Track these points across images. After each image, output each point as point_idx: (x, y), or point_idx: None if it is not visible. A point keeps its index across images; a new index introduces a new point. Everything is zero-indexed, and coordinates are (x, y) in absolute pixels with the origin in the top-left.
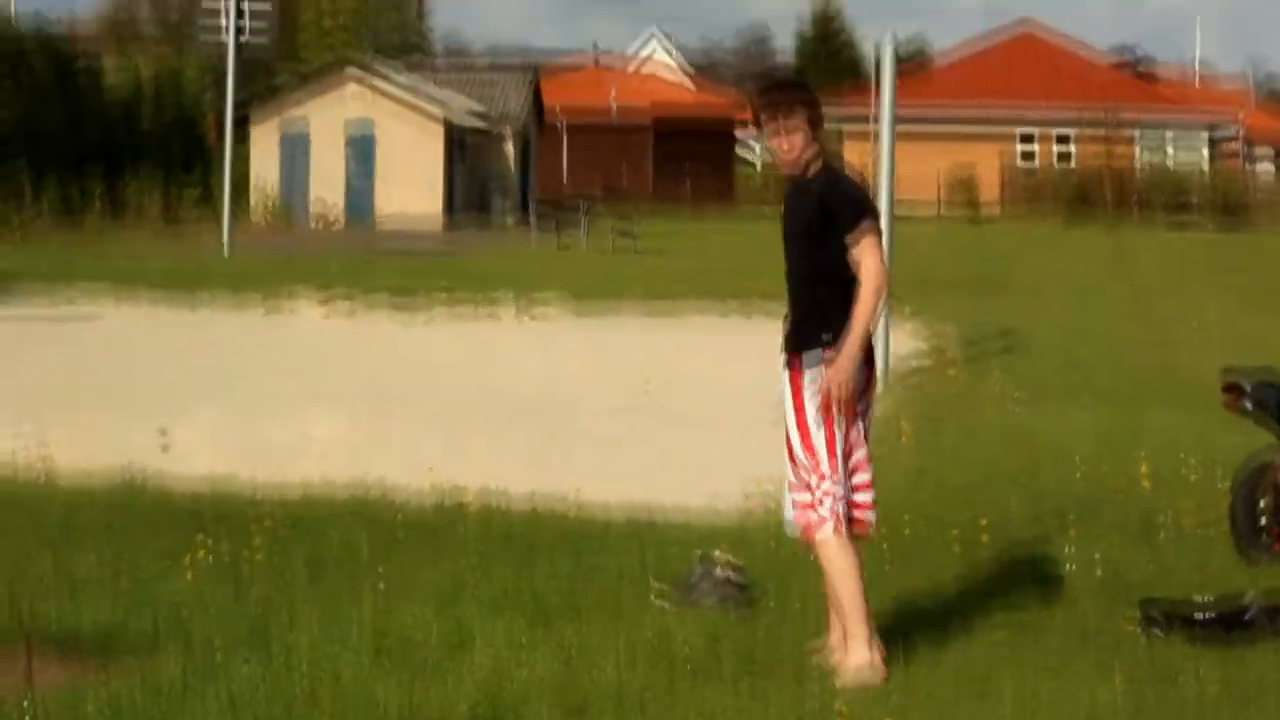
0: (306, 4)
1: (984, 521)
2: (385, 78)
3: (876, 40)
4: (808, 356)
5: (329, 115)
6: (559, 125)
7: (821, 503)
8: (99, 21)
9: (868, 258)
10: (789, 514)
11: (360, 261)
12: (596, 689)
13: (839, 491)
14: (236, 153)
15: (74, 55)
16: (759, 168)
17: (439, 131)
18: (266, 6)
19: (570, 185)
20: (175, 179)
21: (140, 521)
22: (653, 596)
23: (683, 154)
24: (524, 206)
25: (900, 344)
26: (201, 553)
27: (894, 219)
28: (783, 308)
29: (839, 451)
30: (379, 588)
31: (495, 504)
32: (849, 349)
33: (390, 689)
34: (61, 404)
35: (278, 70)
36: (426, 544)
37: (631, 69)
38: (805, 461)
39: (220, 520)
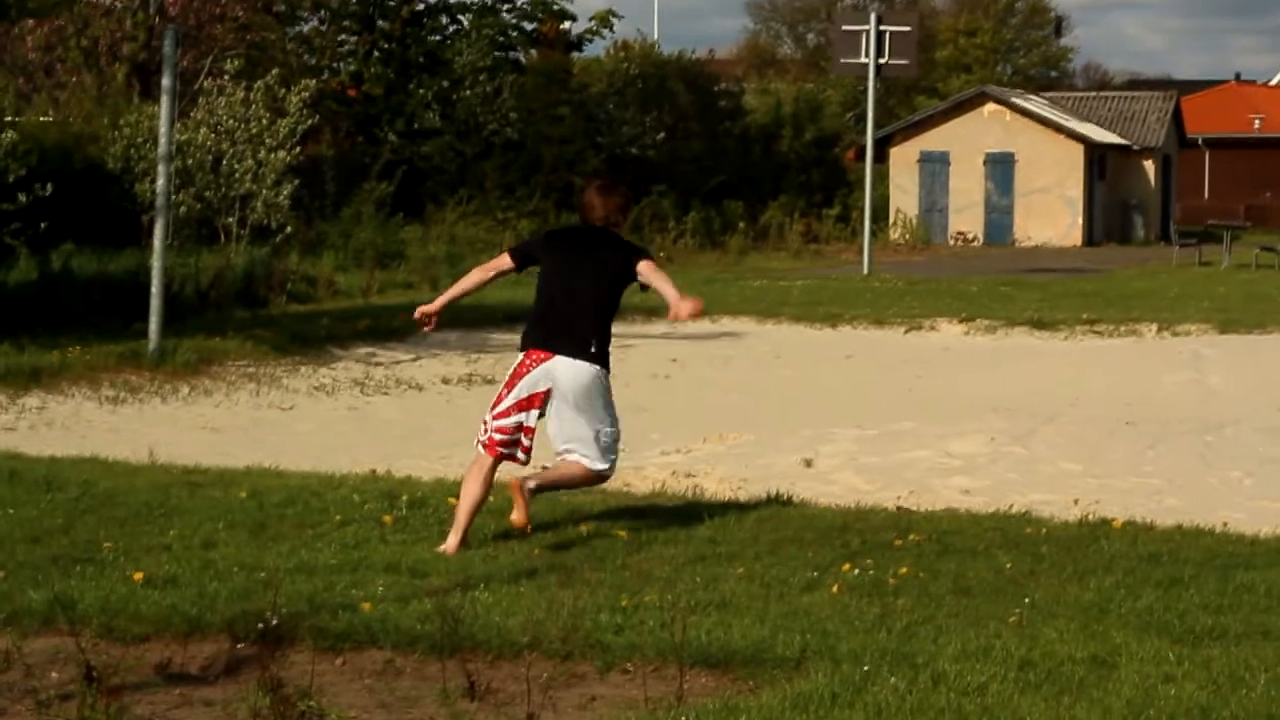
0: (945, 30)
1: None
2: (1024, 101)
3: None
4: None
5: (967, 139)
6: (1199, 144)
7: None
8: (739, 49)
9: None
10: None
11: (1000, 281)
12: (1246, 711)
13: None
14: (876, 175)
15: (715, 82)
16: None
17: (1079, 154)
18: (906, 30)
19: (1211, 205)
20: (814, 202)
21: (787, 538)
22: None
23: None
24: (1164, 228)
25: None
26: (848, 569)
27: None
28: None
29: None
30: (1024, 604)
31: (1140, 522)
32: None
33: (1037, 705)
34: (709, 421)
35: (916, 95)
36: (1071, 563)
37: (1275, 83)
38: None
39: (865, 538)
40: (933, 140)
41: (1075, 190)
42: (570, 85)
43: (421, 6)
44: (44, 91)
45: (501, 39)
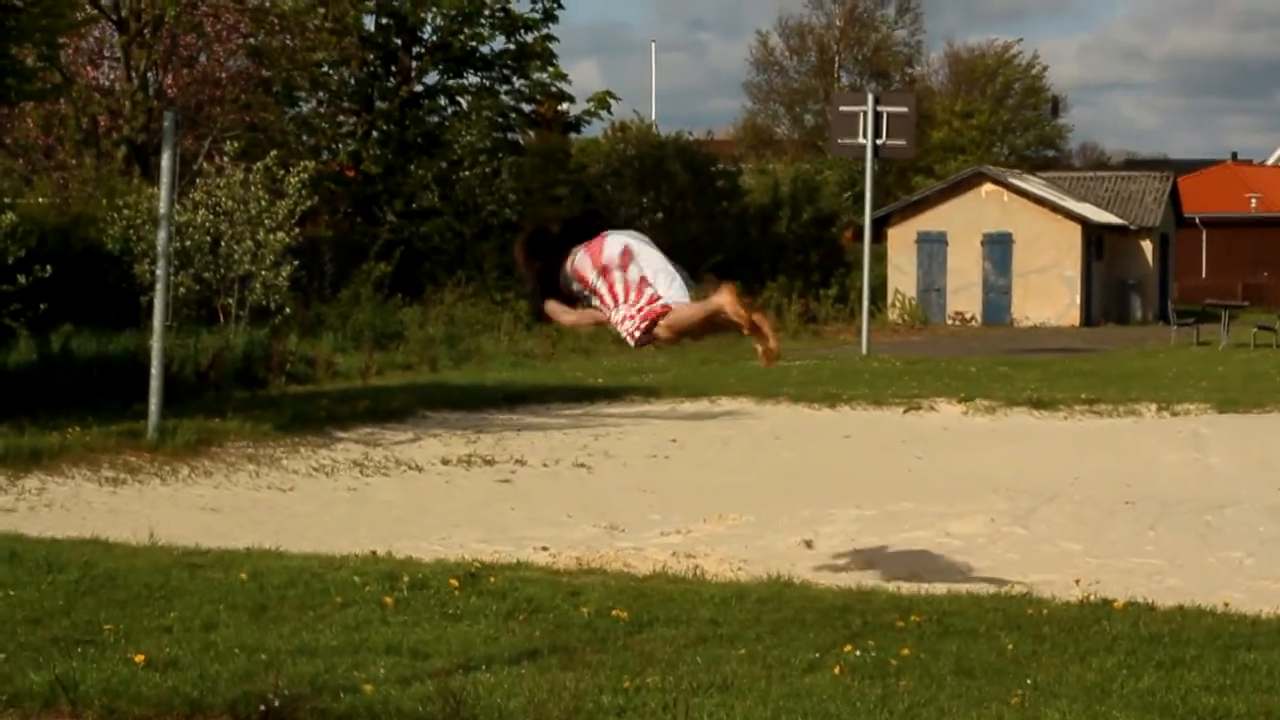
0: (942, 111)
1: None
2: (1021, 182)
3: None
4: None
5: (965, 219)
6: (1197, 224)
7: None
8: (737, 129)
9: None
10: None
11: (998, 361)
12: None
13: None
14: (873, 255)
15: (712, 163)
16: None
17: (1076, 234)
18: (904, 111)
19: (1209, 284)
20: (812, 282)
21: (788, 619)
22: None
23: None
24: (1162, 307)
25: None
26: (849, 650)
27: None
28: None
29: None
30: (1027, 685)
31: (1141, 602)
32: None
33: None
34: (709, 502)
35: (913, 175)
36: (1072, 643)
37: (1271, 162)
38: None
39: (867, 619)
40: (930, 220)
41: (1073, 270)
42: (568, 166)
43: (420, 88)
44: (44, 174)
45: (500, 120)
